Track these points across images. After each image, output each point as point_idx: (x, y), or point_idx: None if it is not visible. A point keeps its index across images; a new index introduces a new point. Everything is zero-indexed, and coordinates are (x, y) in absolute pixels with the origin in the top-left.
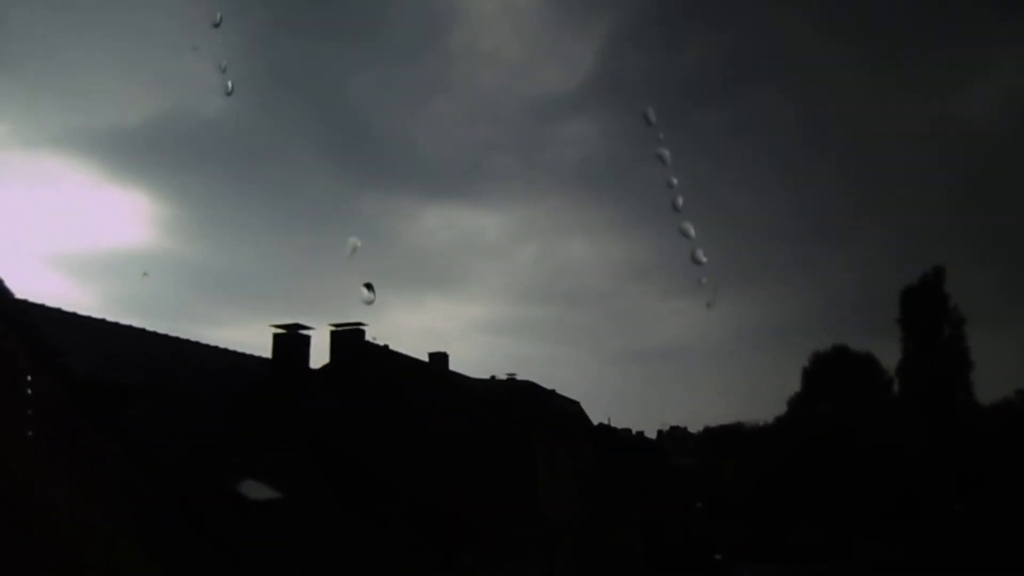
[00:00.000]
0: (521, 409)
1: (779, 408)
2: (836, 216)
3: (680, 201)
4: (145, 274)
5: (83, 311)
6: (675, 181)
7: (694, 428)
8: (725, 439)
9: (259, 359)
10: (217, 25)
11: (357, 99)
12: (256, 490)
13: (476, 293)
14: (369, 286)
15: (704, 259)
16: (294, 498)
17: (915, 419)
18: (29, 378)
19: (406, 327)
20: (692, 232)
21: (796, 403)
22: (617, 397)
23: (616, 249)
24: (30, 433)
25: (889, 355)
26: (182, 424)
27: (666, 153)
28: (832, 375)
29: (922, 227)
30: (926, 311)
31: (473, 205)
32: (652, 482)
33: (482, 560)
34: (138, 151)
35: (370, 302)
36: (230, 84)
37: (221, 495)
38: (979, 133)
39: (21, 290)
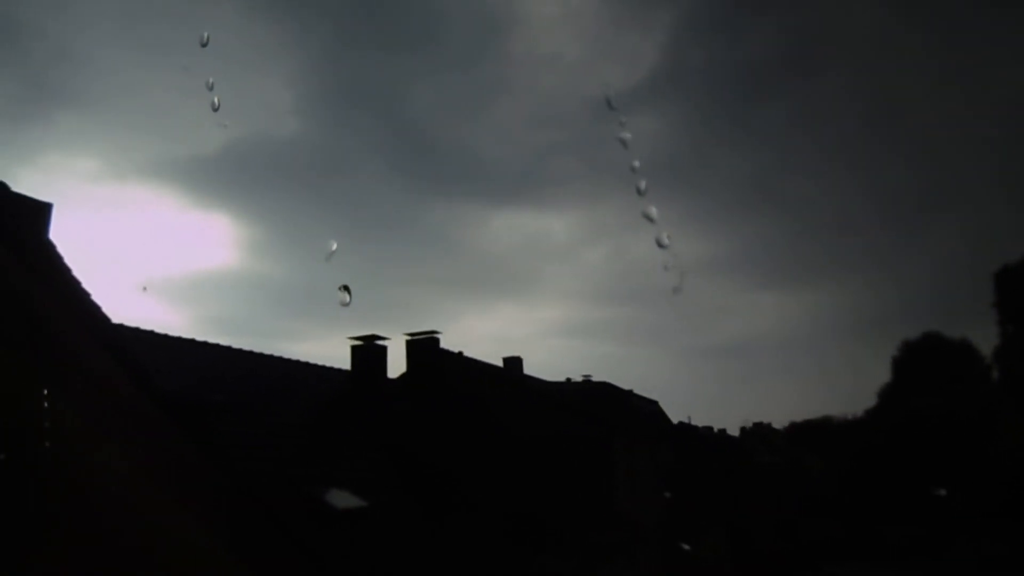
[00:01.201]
0: (598, 410)
1: (868, 400)
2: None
3: (643, 185)
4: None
5: (173, 332)
6: (638, 164)
7: (779, 424)
8: (812, 434)
9: (339, 371)
10: (204, 45)
11: (420, 109)
12: (340, 499)
13: (547, 296)
14: (346, 288)
15: (668, 242)
16: (376, 506)
17: (1017, 407)
18: (127, 397)
19: (480, 333)
20: (655, 215)
21: (887, 394)
22: (696, 395)
23: (690, 244)
24: (128, 448)
25: (985, 341)
26: (268, 437)
27: (627, 136)
28: (925, 364)
29: (1009, 208)
30: None
31: (539, 208)
32: (736, 481)
33: (564, 564)
34: (219, 176)
35: (346, 304)
36: (216, 100)
37: (307, 504)
38: None
39: (117, 315)
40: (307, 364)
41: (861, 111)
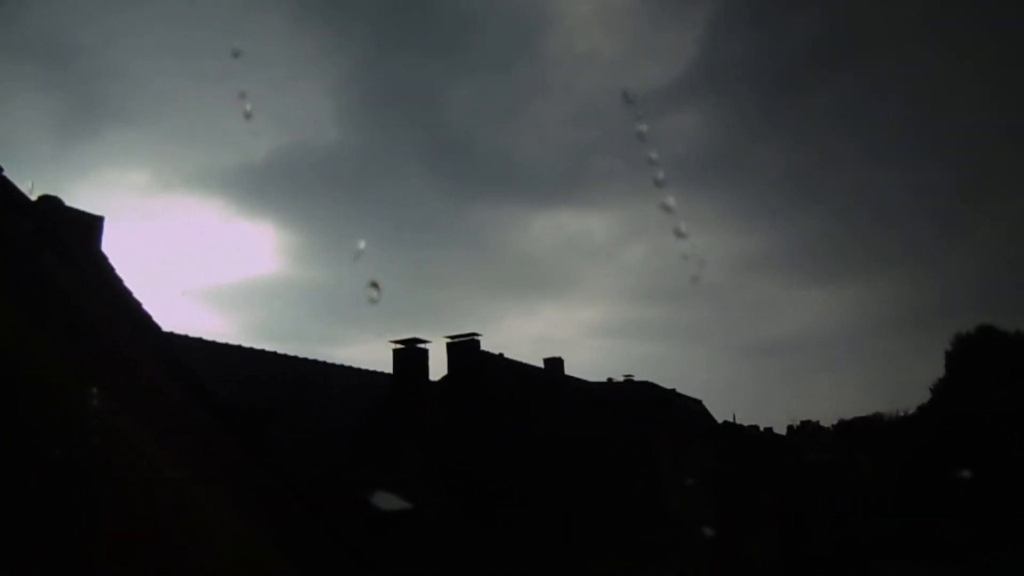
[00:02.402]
0: (640, 410)
1: (921, 396)
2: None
3: (661, 175)
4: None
5: (221, 339)
6: (655, 156)
7: (827, 422)
8: (862, 432)
9: (382, 375)
10: (236, 55)
11: (457, 112)
12: (385, 501)
13: (588, 297)
14: (375, 285)
15: (686, 231)
16: (421, 508)
17: None
18: (177, 402)
19: (521, 335)
20: (673, 205)
21: (940, 389)
22: (741, 393)
23: (731, 241)
24: (179, 452)
25: None
26: (314, 440)
27: (644, 128)
28: (979, 358)
29: None
30: None
31: (579, 208)
32: (785, 480)
33: (610, 566)
34: (263, 185)
35: (374, 301)
36: (248, 108)
37: (353, 506)
38: None
39: (167, 323)
40: (350, 368)
41: (903, 103)
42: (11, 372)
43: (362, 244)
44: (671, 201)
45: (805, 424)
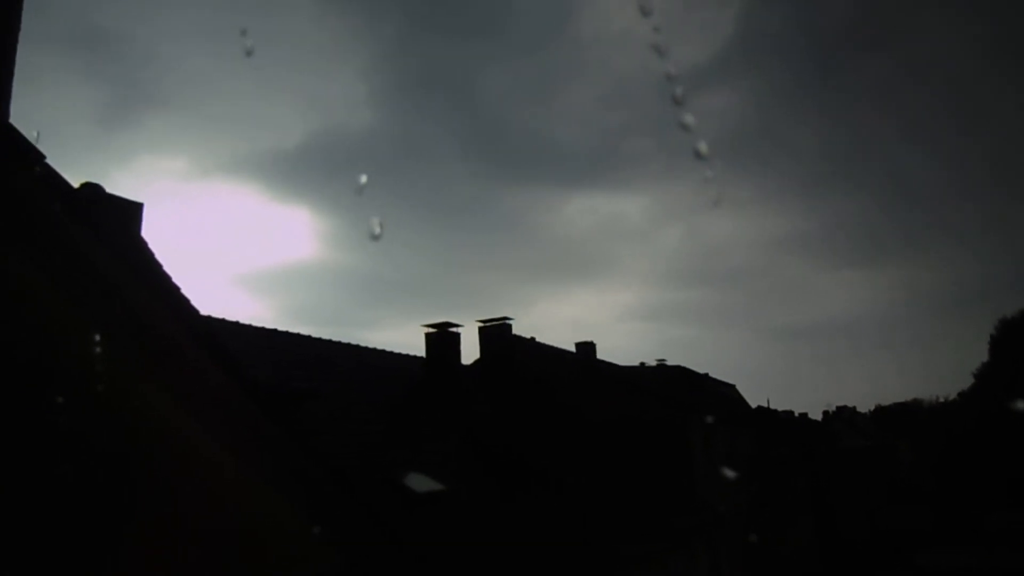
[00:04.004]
0: (673, 395)
1: (962, 382)
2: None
3: (704, 147)
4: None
5: (258, 323)
6: (690, 119)
7: (863, 407)
8: (901, 418)
9: (414, 358)
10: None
11: (491, 95)
12: (419, 482)
13: (622, 280)
14: (380, 223)
15: (706, 151)
16: (454, 490)
17: None
18: (217, 384)
19: (554, 319)
20: (691, 123)
21: (984, 374)
22: (775, 378)
23: (768, 222)
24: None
25: None
26: (349, 422)
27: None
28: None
29: None
30: None
31: (614, 190)
32: (820, 467)
33: (644, 550)
34: (297, 170)
35: (376, 237)
36: (250, 44)
37: (388, 487)
38: None
39: (206, 307)
40: (383, 351)
41: (941, 83)
42: (59, 361)
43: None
44: (688, 119)
45: (841, 410)
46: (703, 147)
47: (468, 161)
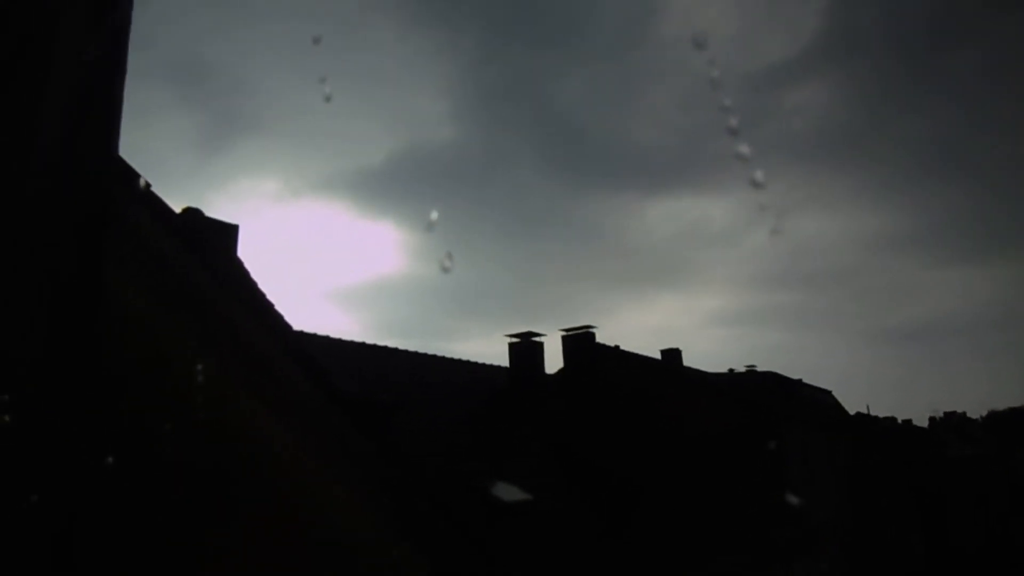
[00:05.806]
0: (764, 401)
1: None
2: None
3: (760, 176)
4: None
5: (347, 337)
6: (746, 151)
7: (975, 413)
8: (1016, 424)
9: (498, 368)
10: (317, 41)
11: (571, 102)
12: (507, 492)
13: (707, 285)
14: (449, 256)
15: (763, 180)
16: (541, 500)
17: None
18: (308, 397)
19: (638, 326)
20: (747, 153)
21: None
22: (875, 383)
23: (862, 221)
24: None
25: None
26: (435, 433)
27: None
28: None
29: None
30: None
31: (697, 193)
32: (927, 476)
33: (739, 562)
34: (383, 186)
35: (447, 270)
36: (328, 91)
37: (475, 497)
38: None
39: (298, 322)
40: (468, 362)
41: None
42: (169, 382)
43: (434, 215)
44: (744, 149)
45: (949, 416)
46: (759, 176)
47: (548, 169)
